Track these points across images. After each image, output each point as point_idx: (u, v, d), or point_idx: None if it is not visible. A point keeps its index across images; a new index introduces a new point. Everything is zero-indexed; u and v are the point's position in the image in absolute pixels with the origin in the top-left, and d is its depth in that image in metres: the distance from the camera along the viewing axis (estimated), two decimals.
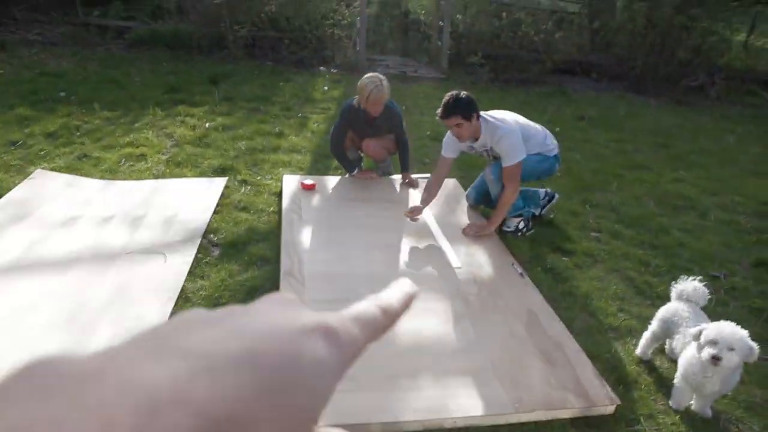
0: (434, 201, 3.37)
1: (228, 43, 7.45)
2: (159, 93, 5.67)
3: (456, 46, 7.82)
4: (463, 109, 2.98)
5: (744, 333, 1.87)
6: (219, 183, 3.67)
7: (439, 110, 3.06)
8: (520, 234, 3.33)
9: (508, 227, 3.33)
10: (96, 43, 7.62)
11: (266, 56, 7.69)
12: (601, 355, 2.35)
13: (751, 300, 2.84)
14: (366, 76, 3.39)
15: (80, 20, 8.08)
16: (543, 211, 3.50)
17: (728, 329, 1.86)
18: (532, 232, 3.35)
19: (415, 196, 3.61)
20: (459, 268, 2.82)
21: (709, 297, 2.80)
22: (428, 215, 3.34)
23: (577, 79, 8.13)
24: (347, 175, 3.93)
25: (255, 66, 7.23)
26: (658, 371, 2.31)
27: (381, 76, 3.39)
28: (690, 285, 2.21)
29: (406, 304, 0.29)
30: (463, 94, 3.03)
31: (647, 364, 2.34)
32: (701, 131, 6.16)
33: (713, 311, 2.71)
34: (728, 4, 7.50)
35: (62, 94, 5.35)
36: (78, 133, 4.53)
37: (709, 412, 2.08)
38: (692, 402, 2.10)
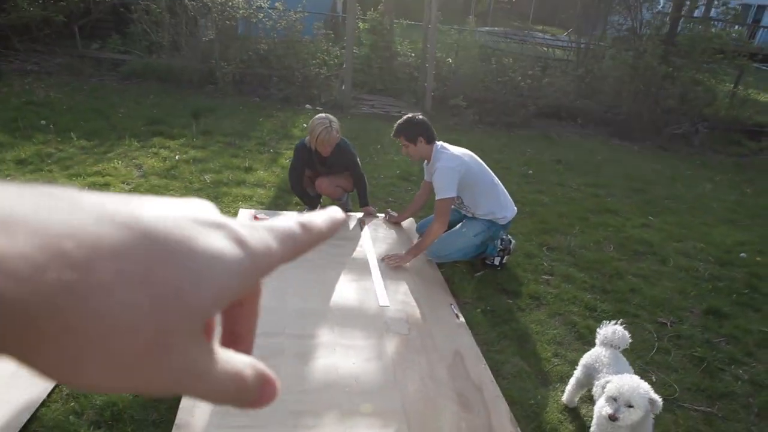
0: (386, 237, 3.39)
1: (217, 79, 7.60)
2: (139, 124, 5.75)
3: (441, 89, 7.93)
4: (407, 132, 3.04)
5: (645, 387, 1.80)
6: None
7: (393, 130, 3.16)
8: (500, 267, 3.37)
9: (492, 263, 3.39)
10: (90, 75, 7.80)
11: (254, 93, 7.82)
12: (525, 401, 2.27)
13: (694, 348, 2.76)
14: (316, 117, 3.43)
15: (78, 52, 8.30)
16: (504, 261, 3.43)
17: (628, 385, 1.80)
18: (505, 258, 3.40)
19: (368, 236, 3.59)
20: (386, 306, 2.77)
21: (655, 344, 2.74)
22: (371, 253, 3.31)
23: (562, 125, 8.20)
24: (306, 211, 3.92)
25: (241, 102, 7.35)
26: (582, 419, 2.23)
27: (331, 118, 3.42)
28: (610, 329, 2.15)
29: (331, 226, 0.27)
30: (418, 117, 3.10)
31: (572, 412, 2.26)
32: (679, 178, 6.14)
33: (652, 359, 2.64)
34: (713, 57, 7.59)
35: (43, 122, 5.43)
36: (49, 161, 4.58)
37: None
38: None
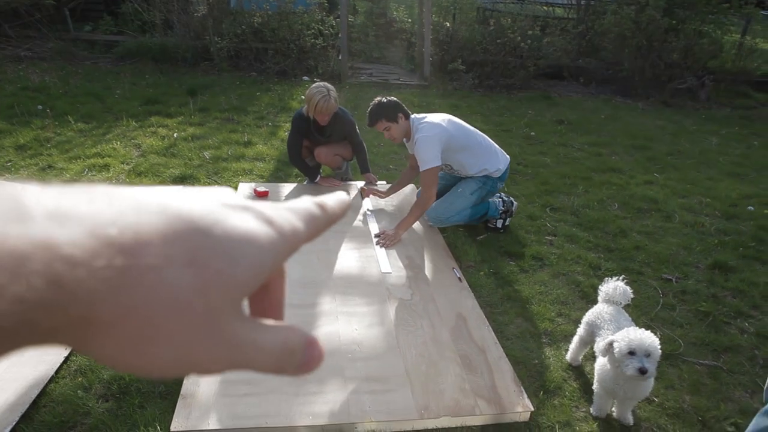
0: (388, 204, 3.38)
1: (212, 55, 7.51)
2: (136, 105, 5.71)
3: (439, 54, 7.79)
4: (387, 112, 2.99)
5: (652, 336, 1.79)
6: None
7: (366, 120, 3.06)
8: (502, 230, 3.36)
9: (494, 226, 3.38)
10: (84, 58, 7.73)
11: (251, 67, 7.72)
12: (529, 361, 2.28)
13: (699, 303, 2.74)
14: (314, 85, 3.38)
15: (71, 36, 8.21)
16: (506, 223, 3.40)
17: (640, 336, 1.78)
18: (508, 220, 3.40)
19: (368, 204, 3.57)
20: (388, 273, 2.77)
21: (660, 300, 2.73)
22: (372, 221, 3.30)
23: (564, 84, 8.07)
24: (306, 182, 3.91)
25: (238, 77, 7.27)
26: (586, 377, 2.23)
27: (329, 86, 3.37)
28: (611, 285, 2.14)
29: (343, 207, 0.28)
30: (385, 99, 3.04)
31: (576, 370, 2.26)
32: (684, 133, 6.05)
33: (656, 315, 2.63)
34: (719, 6, 7.38)
35: (39, 107, 5.40)
36: (48, 145, 4.56)
37: (629, 419, 1.99)
38: (614, 409, 2.02)
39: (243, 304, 0.22)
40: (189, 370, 0.21)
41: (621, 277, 2.17)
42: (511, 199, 3.42)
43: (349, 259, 2.90)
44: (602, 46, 8.13)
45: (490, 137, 3.32)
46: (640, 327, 2.50)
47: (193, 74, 7.25)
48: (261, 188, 3.63)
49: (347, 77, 7.42)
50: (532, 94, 7.34)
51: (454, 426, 1.91)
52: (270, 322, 0.25)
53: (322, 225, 0.26)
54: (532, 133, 5.49)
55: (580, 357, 2.28)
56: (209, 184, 3.91)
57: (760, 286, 2.87)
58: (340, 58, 7.46)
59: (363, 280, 2.71)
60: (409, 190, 3.79)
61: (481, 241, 3.27)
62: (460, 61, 7.45)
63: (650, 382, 1.87)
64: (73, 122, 5.07)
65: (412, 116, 3.08)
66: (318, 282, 2.65)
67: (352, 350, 2.19)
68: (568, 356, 2.29)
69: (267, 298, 0.28)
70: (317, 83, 3.39)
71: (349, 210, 0.29)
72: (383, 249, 2.98)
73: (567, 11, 8.93)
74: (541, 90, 7.56)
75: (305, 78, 7.40)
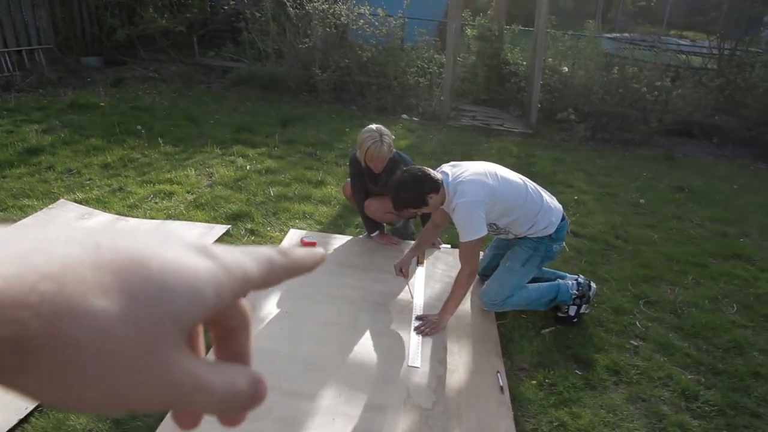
0: (445, 274, 2.89)
1: (316, 86, 7.51)
2: (228, 132, 5.74)
3: (550, 100, 7.17)
4: (414, 200, 2.48)
5: None
6: (217, 231, 3.46)
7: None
8: (576, 320, 2.77)
9: (567, 315, 2.80)
10: (200, 82, 8.08)
11: (352, 101, 7.62)
12: None
13: None
14: (366, 128, 3.03)
15: (194, 60, 8.67)
16: (581, 311, 2.79)
17: None
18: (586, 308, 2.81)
19: (423, 272, 3.12)
20: (416, 367, 2.28)
21: None
22: (418, 296, 2.84)
23: (692, 143, 7.07)
24: (363, 236, 3.54)
25: (336, 110, 7.17)
26: None
27: (383, 129, 3.00)
28: None
29: (311, 259, 0.28)
30: (409, 173, 2.50)
31: None
32: None
33: None
34: None
35: (138, 127, 5.58)
36: (130, 167, 4.64)
37: None
38: None
39: (184, 339, 0.21)
40: (121, 405, 0.20)
41: None
42: (590, 282, 2.81)
43: (375, 340, 2.46)
44: (745, 103, 7.03)
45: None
46: None
47: (293, 104, 7.27)
48: (309, 239, 3.33)
49: (447, 119, 7.03)
50: (651, 153, 6.48)
51: None
52: (217, 362, 0.24)
53: (280, 272, 0.26)
54: (642, 200, 4.72)
55: None
56: (262, 225, 3.68)
57: None
58: (441, 98, 7.11)
59: (382, 371, 2.26)
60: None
61: (545, 335, 2.68)
62: (572, 110, 6.78)
63: None
64: (162, 144, 5.16)
65: (446, 174, 2.54)
66: (326, 366, 2.25)
67: None
68: None
69: (229, 344, 0.27)
70: (369, 126, 3.03)
71: (319, 265, 0.28)
72: (418, 338, 2.50)
73: (706, 61, 7.90)
74: (663, 148, 6.66)
75: (404, 116, 7.13)
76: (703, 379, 2.45)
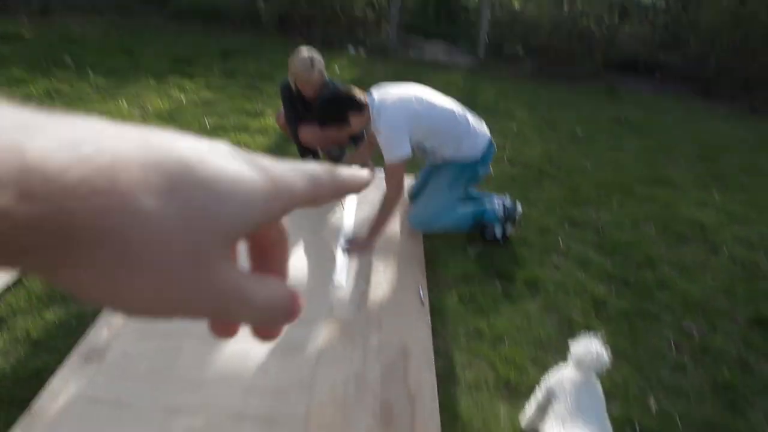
0: (377, 198, 2.91)
1: (261, 19, 7.23)
2: (164, 64, 5.51)
3: (500, 35, 7.13)
4: (332, 118, 2.47)
5: None
6: None
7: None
8: (502, 240, 2.86)
9: (493, 236, 2.87)
10: (137, 13, 7.65)
11: (299, 34, 7.39)
12: (472, 421, 1.81)
13: (721, 370, 2.14)
14: (297, 51, 2.96)
15: None
16: (507, 232, 2.89)
17: None
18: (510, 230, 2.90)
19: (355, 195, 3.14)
20: (340, 286, 2.34)
21: (671, 358, 2.18)
22: (348, 217, 2.87)
23: (636, 79, 7.20)
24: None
25: (281, 42, 6.95)
26: None
27: (314, 54, 2.94)
28: (583, 346, 1.62)
29: (358, 180, 0.27)
30: (330, 95, 2.49)
31: None
32: (766, 147, 5.16)
33: (659, 379, 2.07)
34: None
35: (68, 59, 5.29)
36: (57, 99, 4.43)
37: None
38: None
39: (230, 250, 0.21)
40: (169, 309, 0.20)
41: (597, 336, 1.64)
42: (515, 203, 2.90)
43: (302, 262, 2.50)
44: (688, 40, 7.16)
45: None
46: (632, 392, 1.98)
47: (236, 37, 7.00)
48: None
49: (395, 52, 6.92)
50: (596, 87, 6.58)
51: None
52: (257, 275, 0.23)
53: (326, 191, 0.25)
54: (580, 133, 4.83)
55: (538, 424, 1.79)
56: None
57: None
58: (390, 31, 6.97)
59: (307, 291, 2.31)
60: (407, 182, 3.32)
61: (472, 254, 2.77)
62: (520, 45, 6.77)
63: None
64: (92, 76, 4.92)
65: (372, 97, 2.52)
66: None
67: (255, 380, 1.80)
68: (523, 423, 1.81)
69: (266, 260, 0.27)
70: (301, 49, 2.97)
71: (366, 187, 0.28)
72: (345, 257, 2.55)
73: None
74: (607, 84, 6.76)
75: (351, 51, 6.98)
76: (614, 290, 2.61)
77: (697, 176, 4.20)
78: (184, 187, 0.19)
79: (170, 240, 0.18)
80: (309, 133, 3.18)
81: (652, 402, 1.94)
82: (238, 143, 3.83)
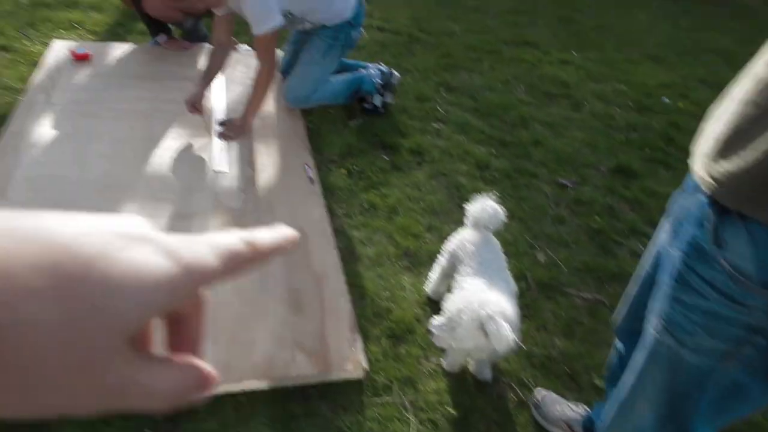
0: (246, 77, 2.64)
1: None
2: None
3: None
4: None
5: (503, 301, 1.37)
6: None
7: None
8: (382, 110, 2.77)
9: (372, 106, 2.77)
10: None
11: None
12: (378, 294, 1.83)
13: (592, 217, 2.35)
14: None
15: None
16: (386, 101, 2.80)
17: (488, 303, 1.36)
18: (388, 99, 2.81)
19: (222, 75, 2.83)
20: (223, 172, 2.17)
21: (550, 212, 2.33)
22: (217, 100, 2.61)
23: None
24: (150, 43, 3.07)
25: None
26: None
27: None
28: (478, 206, 1.66)
29: (280, 244, 0.26)
30: None
31: (435, 306, 1.84)
32: (615, 6, 5.44)
33: (542, 232, 2.23)
34: None
35: None
36: None
37: (487, 375, 1.63)
38: (470, 362, 1.65)
39: (126, 341, 0.20)
40: (63, 411, 0.19)
41: (490, 195, 1.69)
42: (391, 70, 2.81)
43: (176, 151, 2.25)
44: None
45: None
46: (523, 247, 2.11)
47: None
48: (81, 50, 2.79)
49: None
50: None
51: (266, 389, 1.46)
52: (165, 360, 0.23)
53: (245, 263, 0.24)
54: None
55: (444, 289, 1.85)
56: (16, 39, 2.99)
57: (660, 197, 2.48)
58: None
59: (186, 182, 2.10)
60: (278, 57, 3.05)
61: (353, 127, 2.68)
62: None
63: (509, 340, 1.47)
64: None
65: None
66: (124, 184, 2.03)
67: None
68: (429, 288, 1.87)
69: (181, 331, 0.26)
70: None
71: (291, 248, 0.26)
72: (220, 140, 2.33)
73: None
74: None
75: None
76: (494, 151, 2.70)
77: (556, 36, 4.35)
78: (74, 286, 0.18)
79: (53, 346, 0.18)
80: (155, 1, 2.73)
81: (540, 254, 2.10)
82: (69, 23, 3.23)
